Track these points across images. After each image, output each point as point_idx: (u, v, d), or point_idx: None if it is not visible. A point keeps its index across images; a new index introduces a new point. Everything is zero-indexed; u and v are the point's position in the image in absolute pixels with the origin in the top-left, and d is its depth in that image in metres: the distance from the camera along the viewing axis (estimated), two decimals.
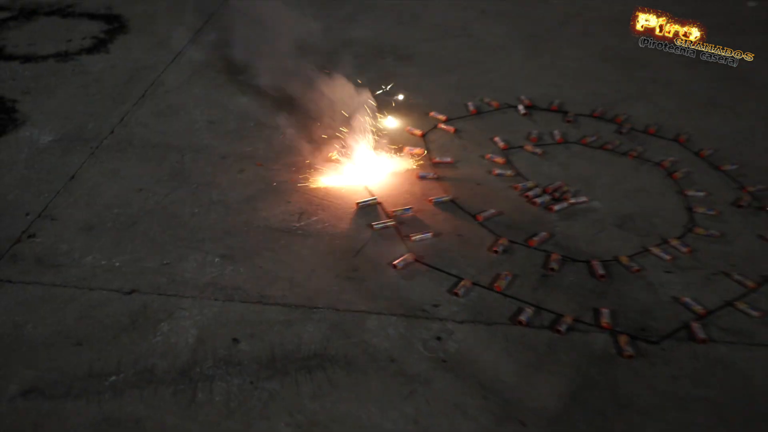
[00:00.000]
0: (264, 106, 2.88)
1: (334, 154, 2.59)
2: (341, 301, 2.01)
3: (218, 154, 2.63)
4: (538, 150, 2.76)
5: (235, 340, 1.87)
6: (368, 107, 2.69)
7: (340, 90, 2.73)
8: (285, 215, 2.34)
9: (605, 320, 1.98)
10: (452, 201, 2.44)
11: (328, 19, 3.78)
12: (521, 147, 2.78)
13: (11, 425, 1.63)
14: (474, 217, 2.36)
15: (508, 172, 2.61)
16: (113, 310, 1.94)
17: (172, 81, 3.12)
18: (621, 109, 3.07)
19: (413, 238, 2.25)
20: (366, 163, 2.54)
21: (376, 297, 2.03)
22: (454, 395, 1.75)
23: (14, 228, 2.21)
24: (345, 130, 2.63)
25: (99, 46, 3.38)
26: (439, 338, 1.91)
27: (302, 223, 2.30)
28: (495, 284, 2.08)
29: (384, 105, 2.79)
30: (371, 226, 2.29)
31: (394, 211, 2.36)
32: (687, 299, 2.07)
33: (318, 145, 2.64)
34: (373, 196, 2.42)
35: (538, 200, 2.45)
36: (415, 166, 2.61)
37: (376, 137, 2.64)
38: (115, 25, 3.61)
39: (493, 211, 2.39)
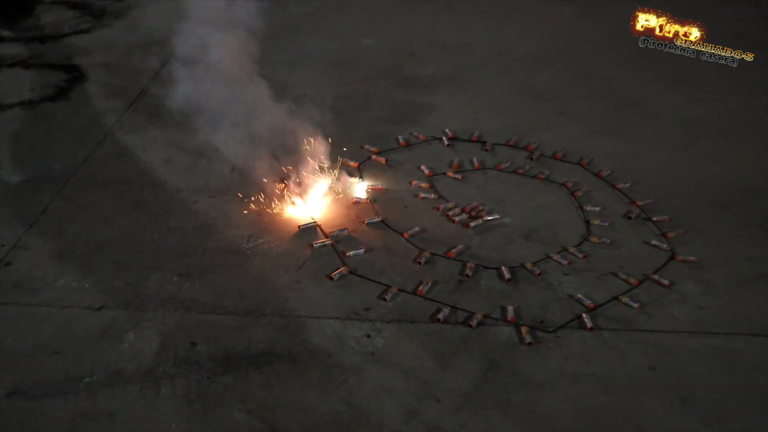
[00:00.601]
0: (215, 146, 3.19)
1: (280, 185, 2.91)
2: (286, 309, 2.33)
3: (174, 188, 2.93)
4: (458, 176, 3.12)
5: (193, 344, 2.16)
6: (308, 143, 3.03)
7: (282, 128, 3.07)
8: (235, 238, 2.65)
9: (510, 315, 2.34)
10: (382, 221, 2.78)
11: (272, 65, 4.13)
12: (444, 173, 3.14)
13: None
14: (401, 234, 2.71)
15: (432, 196, 2.97)
16: (85, 324, 2.22)
17: (129, 124, 3.40)
18: (532, 138, 3.46)
19: (348, 253, 2.58)
20: (307, 192, 2.86)
21: (316, 304, 2.36)
22: (381, 381, 2.07)
23: None
24: (288, 163, 2.96)
25: (61, 94, 3.65)
26: (369, 336, 2.24)
27: (251, 245, 2.62)
28: (418, 290, 2.43)
29: (322, 140, 3.13)
30: (311, 245, 2.62)
31: (331, 232, 2.69)
32: (580, 295, 2.44)
33: (265, 177, 2.96)
34: (313, 219, 2.75)
35: (457, 218, 2.81)
36: (349, 193, 2.95)
37: (316, 169, 2.98)
38: (75, 74, 3.89)
39: (417, 228, 2.74)
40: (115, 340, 2.16)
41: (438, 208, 2.89)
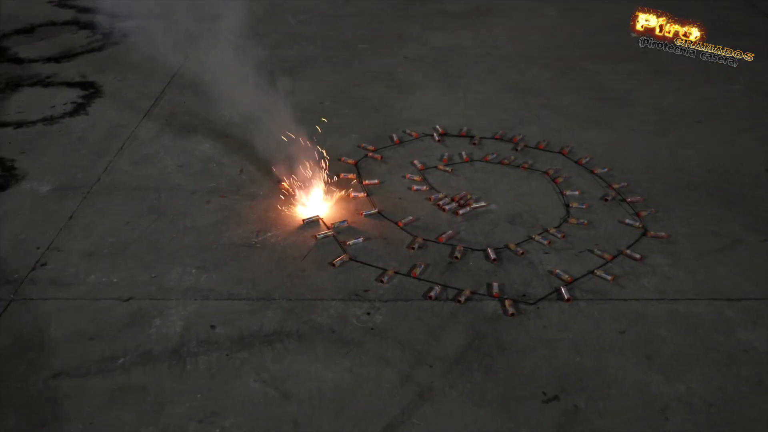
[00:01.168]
0: (224, 150, 3.47)
1: (284, 183, 3.18)
2: (293, 293, 2.60)
3: (188, 191, 3.21)
4: (448, 168, 3.38)
5: (213, 327, 2.44)
6: (309, 143, 3.31)
7: (284, 131, 3.34)
8: (245, 234, 2.92)
9: (495, 291, 2.60)
10: (379, 212, 3.05)
11: (272, 74, 4.41)
12: (435, 167, 3.41)
13: (48, 398, 2.17)
14: (396, 223, 2.98)
15: (424, 188, 3.23)
16: (116, 313, 2.50)
17: (144, 134, 3.68)
18: (517, 131, 3.72)
19: (348, 243, 2.85)
20: (309, 189, 3.13)
21: (320, 288, 2.63)
22: (380, 351, 2.34)
23: (29, 259, 2.75)
24: (291, 163, 3.22)
25: (79, 109, 3.94)
26: (368, 313, 2.51)
27: (259, 239, 2.89)
28: (412, 272, 2.69)
29: (322, 140, 3.40)
30: (314, 236, 2.89)
31: (332, 224, 2.96)
32: (559, 271, 2.70)
33: (270, 177, 3.23)
34: (315, 213, 3.02)
35: (447, 207, 3.07)
36: (349, 188, 3.22)
37: (317, 167, 3.24)
38: (91, 90, 4.18)
39: (411, 218, 3.00)
40: (144, 326, 2.43)
41: (430, 199, 3.15)
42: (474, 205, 3.09)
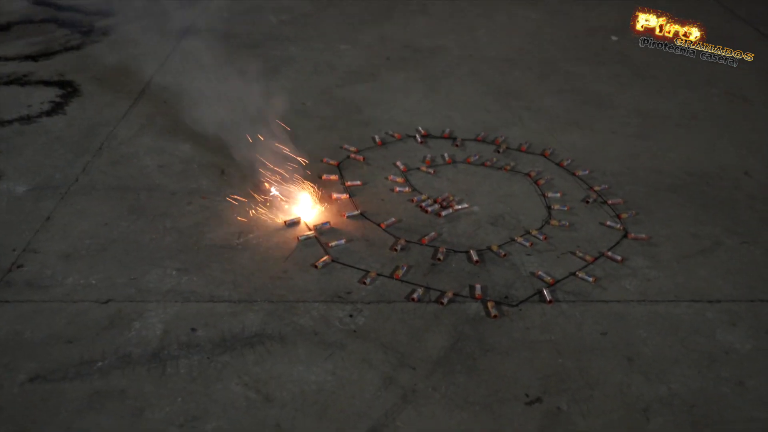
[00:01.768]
0: (205, 150, 3.44)
1: (266, 184, 3.15)
2: (275, 295, 2.57)
3: (168, 191, 3.17)
4: (431, 170, 3.38)
5: (193, 329, 2.41)
6: (291, 144, 3.29)
7: (265, 132, 3.32)
8: (227, 235, 2.89)
9: (478, 293, 2.59)
10: (361, 214, 3.04)
11: (254, 73, 4.38)
12: (418, 168, 3.40)
13: (25, 403, 2.12)
14: (379, 225, 2.97)
15: (406, 189, 3.22)
16: (94, 316, 2.45)
17: (123, 134, 3.63)
18: (500, 133, 3.73)
19: (330, 244, 2.83)
20: (291, 190, 3.11)
21: (302, 290, 2.61)
22: (362, 354, 2.33)
23: (4, 261, 2.69)
24: (272, 165, 3.20)
25: (56, 108, 3.88)
26: (351, 315, 2.49)
27: (241, 240, 2.86)
28: (394, 273, 2.68)
29: (304, 141, 3.39)
30: (297, 238, 2.87)
31: (315, 225, 2.94)
32: (541, 273, 2.70)
33: (252, 178, 3.20)
34: (297, 215, 3.00)
35: (429, 209, 3.07)
36: (331, 190, 3.20)
37: (299, 168, 3.22)
38: (69, 89, 4.11)
39: (393, 219, 2.99)
40: (123, 329, 2.40)
41: (412, 200, 3.14)
42: (456, 207, 3.09)
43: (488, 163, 3.44)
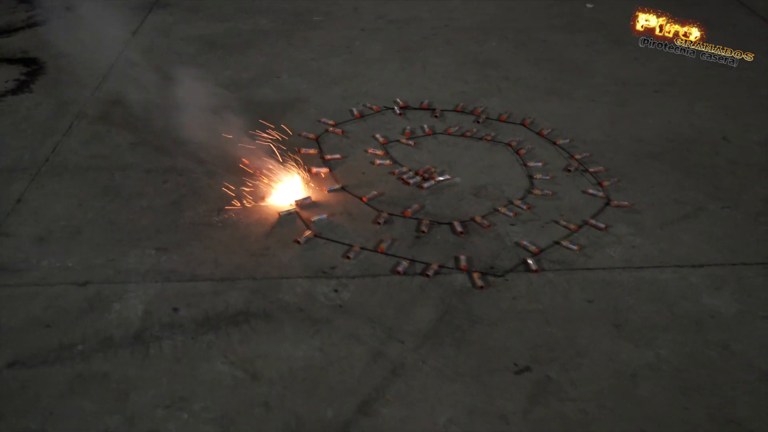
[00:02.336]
0: (178, 126, 3.34)
1: (244, 160, 3.08)
2: (258, 272, 2.52)
3: (143, 170, 3.08)
4: (411, 142, 3.34)
5: (175, 309, 2.35)
6: (268, 118, 3.22)
7: (240, 106, 3.25)
8: (206, 213, 2.83)
9: (463, 264, 2.58)
10: (343, 188, 2.99)
11: (227, 47, 4.28)
12: (398, 141, 3.36)
13: (3, 390, 2.06)
14: (360, 198, 2.93)
15: (387, 162, 3.18)
16: (72, 299, 2.39)
17: (93, 112, 3.53)
18: (479, 103, 3.69)
19: (312, 219, 2.79)
20: (271, 165, 3.04)
21: (286, 266, 2.56)
22: (349, 329, 2.30)
23: None
24: (250, 140, 3.13)
25: (22, 86, 3.75)
26: (336, 290, 2.46)
27: (221, 218, 2.80)
28: (379, 247, 2.65)
29: (281, 115, 3.32)
30: (278, 213, 2.82)
31: (296, 201, 2.89)
32: (525, 242, 2.69)
33: (230, 154, 3.13)
34: (277, 191, 2.94)
35: (411, 181, 3.03)
36: (311, 164, 3.14)
37: (278, 143, 3.16)
38: (34, 67, 3.98)
39: (375, 192, 2.95)
40: (103, 311, 2.34)
41: (393, 173, 3.10)
42: (438, 179, 3.05)
43: (468, 133, 3.41)
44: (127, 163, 3.13)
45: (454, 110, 3.63)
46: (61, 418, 1.98)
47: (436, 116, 3.57)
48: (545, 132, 3.43)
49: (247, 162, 3.05)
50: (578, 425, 2.00)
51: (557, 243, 2.70)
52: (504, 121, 3.53)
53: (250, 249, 2.63)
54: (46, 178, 3.02)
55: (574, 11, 4.92)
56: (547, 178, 3.08)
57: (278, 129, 3.20)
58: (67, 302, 2.37)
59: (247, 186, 2.94)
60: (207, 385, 2.09)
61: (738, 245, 2.72)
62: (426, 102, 3.68)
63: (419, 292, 2.45)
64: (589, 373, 2.16)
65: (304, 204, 2.87)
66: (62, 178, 3.02)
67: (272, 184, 2.95)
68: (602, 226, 2.78)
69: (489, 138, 3.37)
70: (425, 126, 3.45)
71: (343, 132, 3.40)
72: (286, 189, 2.94)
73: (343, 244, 2.66)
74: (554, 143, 3.35)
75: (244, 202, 2.86)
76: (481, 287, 2.47)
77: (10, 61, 4.07)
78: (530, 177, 3.10)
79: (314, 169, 3.09)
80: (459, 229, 2.74)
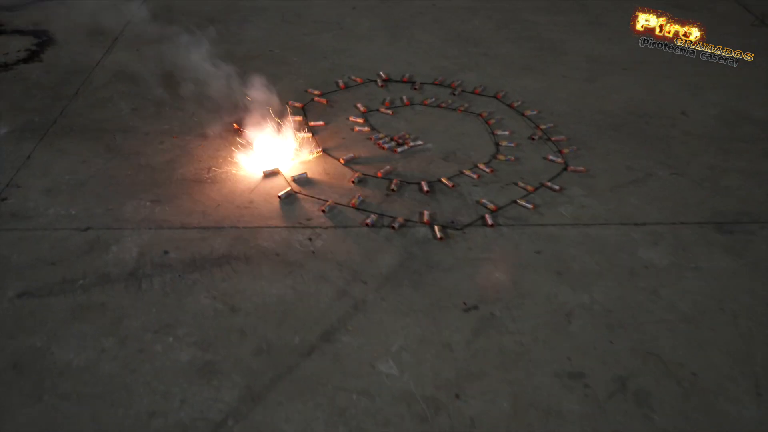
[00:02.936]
0: (176, 94, 3.63)
1: (235, 124, 3.36)
2: (241, 222, 2.81)
3: (142, 132, 3.37)
4: (389, 111, 3.60)
5: (166, 252, 2.65)
6: (258, 88, 3.49)
7: (236, 78, 3.52)
8: (197, 171, 3.11)
9: (426, 218, 2.85)
10: (323, 151, 3.27)
11: (225, 23, 4.55)
12: (377, 110, 3.63)
13: (14, 315, 2.37)
14: (338, 160, 3.21)
15: (366, 128, 3.45)
16: (75, 241, 2.69)
17: (98, 80, 3.81)
18: (457, 77, 3.95)
19: (293, 177, 3.07)
20: (258, 130, 3.32)
21: (266, 218, 2.85)
22: (320, 271, 2.58)
23: None
24: (241, 108, 3.41)
25: (33, 56, 4.04)
26: (310, 239, 2.74)
27: (210, 175, 3.08)
28: (351, 202, 2.93)
29: (271, 85, 3.59)
30: (263, 172, 3.11)
31: (282, 165, 3.17)
32: (485, 201, 2.96)
33: (221, 120, 3.41)
34: (263, 152, 3.22)
35: (386, 145, 3.30)
36: (296, 129, 3.41)
37: (266, 110, 3.43)
38: (44, 38, 4.27)
39: (352, 155, 3.23)
40: (101, 252, 2.63)
41: (371, 138, 3.37)
42: (411, 144, 3.32)
43: (444, 104, 3.67)
44: (128, 126, 3.41)
45: (433, 83, 3.89)
46: (63, 338, 2.28)
47: (415, 89, 3.82)
48: (516, 104, 3.68)
49: (237, 126, 3.32)
50: (514, 354, 2.28)
51: (514, 202, 2.97)
52: (478, 94, 3.79)
53: (236, 202, 2.92)
54: (54, 138, 3.31)
55: None
56: (512, 145, 3.34)
57: (269, 99, 3.47)
58: (71, 244, 2.67)
59: (237, 148, 3.22)
60: (191, 315, 2.38)
61: (680, 207, 2.98)
62: (407, 75, 3.94)
63: (384, 242, 2.73)
64: (529, 311, 2.44)
65: (300, 180, 3.14)
66: (68, 138, 3.31)
67: (259, 147, 3.23)
68: (557, 188, 3.04)
69: (462, 109, 3.63)
70: (404, 97, 3.72)
71: (327, 101, 3.66)
72: (271, 151, 3.22)
73: (319, 199, 2.95)
74: (523, 114, 3.60)
75: (232, 162, 3.14)
76: (441, 239, 2.75)
77: (22, 32, 4.35)
78: (497, 144, 3.36)
79: (298, 133, 3.36)
80: (425, 188, 3.01)
